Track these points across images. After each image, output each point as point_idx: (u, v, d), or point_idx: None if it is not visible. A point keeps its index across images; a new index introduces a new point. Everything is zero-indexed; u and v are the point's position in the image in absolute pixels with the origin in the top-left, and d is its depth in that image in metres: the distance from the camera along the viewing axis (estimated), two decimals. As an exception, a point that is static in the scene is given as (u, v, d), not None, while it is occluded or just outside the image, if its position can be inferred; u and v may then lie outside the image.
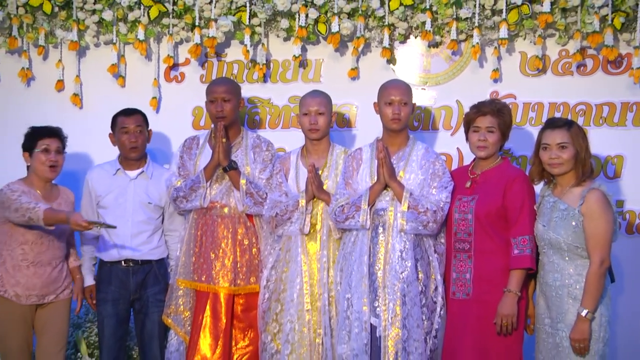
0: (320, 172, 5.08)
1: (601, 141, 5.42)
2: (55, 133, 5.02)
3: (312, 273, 5.02)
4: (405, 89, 4.95)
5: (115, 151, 5.41)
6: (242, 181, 5.09)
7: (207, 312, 5.15)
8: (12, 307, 4.90)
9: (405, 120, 4.92)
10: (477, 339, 4.66)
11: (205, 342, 5.12)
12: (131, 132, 5.21)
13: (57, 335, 5.06)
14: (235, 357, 5.20)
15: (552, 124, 4.61)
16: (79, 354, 5.43)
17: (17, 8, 5.73)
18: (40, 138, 4.96)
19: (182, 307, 5.27)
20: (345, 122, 5.86)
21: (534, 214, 4.62)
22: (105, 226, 4.71)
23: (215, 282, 5.15)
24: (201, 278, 5.18)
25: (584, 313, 4.32)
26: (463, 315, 4.72)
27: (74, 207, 5.15)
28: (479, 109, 4.80)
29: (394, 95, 4.88)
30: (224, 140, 5.04)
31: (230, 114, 5.19)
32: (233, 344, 5.20)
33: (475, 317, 4.68)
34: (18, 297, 4.90)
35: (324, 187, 5.04)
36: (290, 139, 5.64)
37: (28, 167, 5.05)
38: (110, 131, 5.32)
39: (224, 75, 5.91)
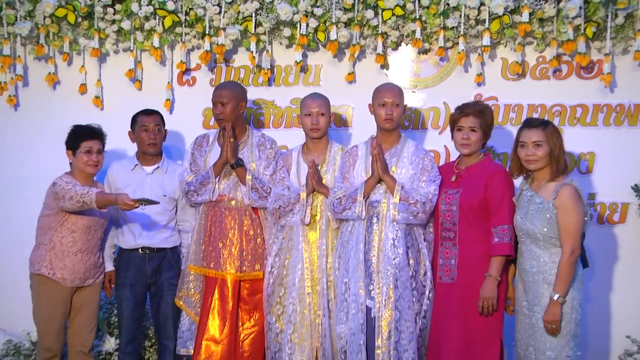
0: (319, 167, 5.11)
1: (575, 140, 5.45)
2: (97, 135, 5.05)
3: (312, 260, 5.05)
4: (396, 91, 4.97)
5: (132, 148, 5.46)
6: (248, 177, 5.11)
7: (216, 296, 5.17)
8: (58, 289, 4.95)
9: (397, 120, 4.94)
10: (461, 319, 4.69)
11: (214, 323, 5.15)
12: (150, 130, 5.25)
13: (90, 317, 5.12)
14: (241, 336, 5.22)
15: (528, 123, 4.65)
16: (100, 332, 5.45)
17: (44, 19, 5.73)
18: (84, 140, 4.99)
19: (192, 290, 5.29)
20: (342, 122, 5.87)
21: (513, 206, 4.65)
22: (148, 202, 4.68)
23: (223, 268, 5.17)
24: (210, 265, 5.20)
25: (555, 297, 4.37)
26: (449, 297, 4.76)
27: None
28: (462, 110, 4.83)
29: (386, 98, 4.90)
30: (231, 140, 5.07)
31: (228, 116, 5.18)
32: (239, 324, 5.22)
33: (460, 299, 4.71)
34: (64, 280, 4.95)
35: (323, 182, 5.06)
36: (292, 138, 5.65)
37: (70, 163, 5.08)
38: (130, 129, 5.35)
39: (231, 79, 5.91)
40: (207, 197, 5.18)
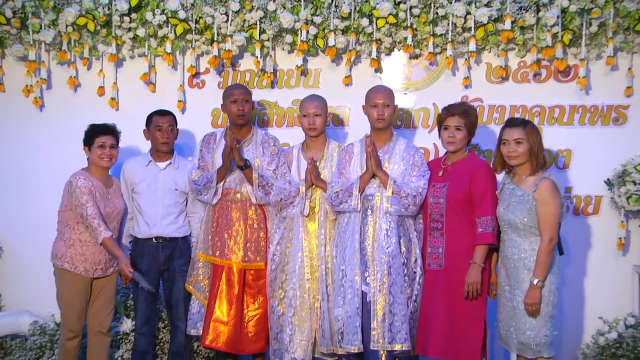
0: (318, 163, 5.10)
1: (553, 138, 5.45)
2: (110, 130, 5.04)
3: (312, 248, 5.05)
4: (387, 93, 4.96)
5: (145, 145, 5.48)
6: (255, 175, 5.10)
7: (223, 281, 5.18)
8: (80, 279, 4.95)
9: (388, 119, 4.93)
10: (448, 302, 4.70)
11: (221, 306, 5.16)
12: (164, 130, 5.25)
13: (108, 300, 5.13)
14: (246, 318, 5.22)
15: (510, 123, 4.66)
16: (117, 314, 5.45)
17: (66, 27, 5.73)
18: (98, 135, 4.98)
19: (201, 276, 5.29)
20: (340, 122, 5.87)
21: (496, 198, 4.66)
22: (140, 279, 4.83)
23: (228, 257, 5.17)
24: (216, 253, 5.21)
25: (535, 281, 4.38)
26: (437, 283, 4.76)
27: (121, 193, 5.21)
28: (448, 111, 4.82)
29: (378, 99, 4.90)
30: (237, 145, 5.07)
31: (248, 113, 5.24)
32: (245, 307, 5.22)
33: (447, 284, 4.72)
34: (87, 271, 4.95)
35: (321, 176, 5.06)
36: (294, 136, 5.64)
37: (87, 158, 5.08)
38: (145, 128, 5.35)
39: (237, 82, 5.92)
40: (208, 198, 5.19)
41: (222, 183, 5.16)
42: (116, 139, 5.07)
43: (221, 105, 5.37)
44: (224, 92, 5.32)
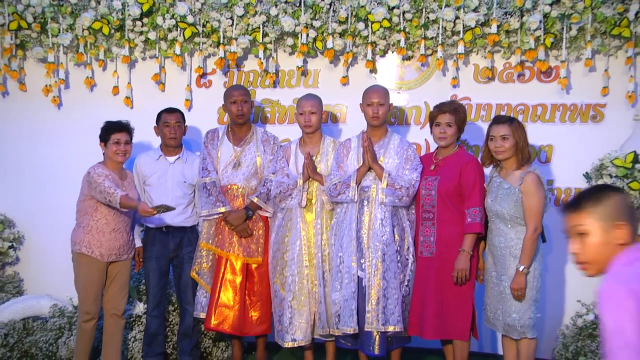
0: (314, 158, 5.07)
1: (536, 134, 5.37)
2: (124, 128, 5.02)
3: (309, 237, 5.02)
4: (382, 93, 4.94)
5: (156, 141, 5.44)
6: (258, 204, 5.12)
7: (227, 269, 5.15)
8: (97, 264, 4.95)
9: (382, 117, 4.92)
10: (439, 287, 4.70)
11: (226, 293, 5.12)
12: (171, 126, 5.23)
13: (123, 285, 5.11)
14: (249, 303, 5.19)
15: (497, 120, 4.66)
16: (130, 298, 5.42)
17: (82, 31, 5.73)
18: (113, 132, 4.97)
19: (205, 264, 5.23)
20: (337, 119, 5.84)
21: (484, 191, 4.65)
22: (166, 209, 4.66)
23: (228, 250, 5.14)
24: (218, 245, 5.17)
25: (520, 268, 4.39)
26: (428, 269, 4.75)
27: (135, 185, 5.19)
28: (440, 108, 4.81)
29: (373, 98, 4.90)
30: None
31: (247, 113, 5.22)
32: (247, 293, 5.18)
33: (438, 270, 4.71)
34: (102, 256, 4.94)
35: (317, 170, 5.04)
36: (294, 132, 5.56)
37: (103, 153, 5.06)
38: (155, 125, 5.32)
39: (242, 82, 5.89)
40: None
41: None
42: (130, 135, 5.05)
43: (222, 105, 5.36)
44: (225, 93, 5.31)
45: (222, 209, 5.10)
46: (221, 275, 5.13)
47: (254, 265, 5.18)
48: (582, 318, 5.11)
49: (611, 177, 5.17)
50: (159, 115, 5.29)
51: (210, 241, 5.19)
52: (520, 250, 4.41)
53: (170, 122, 5.23)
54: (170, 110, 5.28)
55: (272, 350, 5.54)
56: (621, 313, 2.28)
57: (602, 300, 2.34)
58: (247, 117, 5.24)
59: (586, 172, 5.41)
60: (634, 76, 5.43)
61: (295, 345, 5.04)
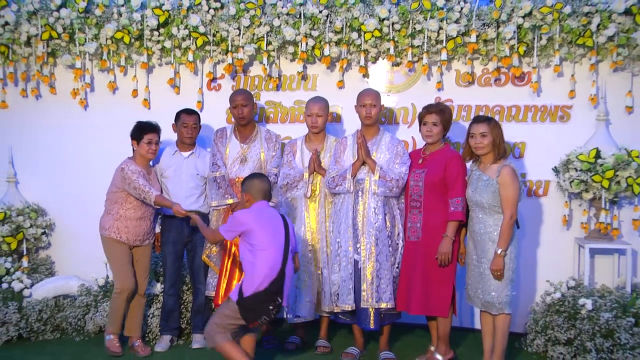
0: (320, 154, 5.04)
1: (510, 132, 5.25)
2: (156, 129, 5.04)
3: (313, 224, 4.99)
4: (374, 95, 4.90)
5: (173, 137, 5.34)
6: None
7: (232, 252, 5.02)
8: (123, 246, 4.97)
9: (374, 117, 4.88)
10: (424, 268, 4.67)
11: (232, 275, 5.02)
12: (189, 127, 5.18)
13: (145, 266, 5.12)
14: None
15: (476, 119, 4.62)
16: (149, 279, 5.31)
17: (106, 40, 5.67)
18: (147, 133, 4.97)
19: (214, 249, 5.16)
20: (334, 118, 5.74)
21: (465, 183, 4.61)
22: (196, 213, 4.76)
23: None
24: None
25: (499, 251, 4.35)
26: (415, 252, 4.73)
27: (157, 179, 5.15)
28: (427, 109, 4.79)
29: (366, 100, 4.86)
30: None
31: (247, 116, 5.17)
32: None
33: (423, 253, 4.68)
34: (129, 240, 4.98)
35: (322, 165, 5.00)
36: (295, 130, 5.56)
37: (134, 150, 5.04)
38: (173, 122, 5.25)
39: (248, 86, 5.80)
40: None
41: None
42: (159, 136, 5.06)
43: (228, 107, 5.31)
44: (229, 97, 5.27)
45: (230, 201, 5.05)
46: (227, 260, 5.05)
47: None
48: (551, 296, 5.06)
49: (576, 170, 5.12)
50: (179, 115, 5.23)
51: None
52: (498, 236, 4.37)
53: (189, 124, 5.17)
54: (190, 112, 5.23)
55: (273, 326, 5.44)
56: None
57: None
58: (247, 119, 5.18)
59: (555, 166, 5.34)
60: (596, 81, 5.37)
61: (300, 322, 5.01)
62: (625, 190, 5.05)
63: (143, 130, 4.97)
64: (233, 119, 5.31)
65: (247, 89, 5.65)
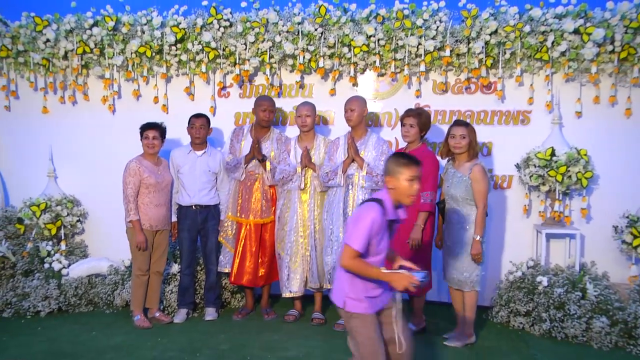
0: (310, 151, 4.92)
1: (480, 134, 5.01)
2: (153, 126, 4.92)
3: (304, 213, 4.91)
4: (353, 101, 4.80)
5: (188, 138, 5.17)
6: (268, 166, 4.97)
7: (244, 235, 5.01)
8: (148, 234, 4.86)
9: (355, 120, 4.78)
10: (401, 252, 4.42)
11: (244, 255, 4.99)
12: (196, 128, 5.04)
13: (164, 251, 5.04)
14: (259, 262, 5.02)
15: (457, 122, 4.50)
16: (168, 260, 5.24)
17: (131, 54, 5.55)
18: (145, 130, 4.90)
19: (229, 231, 5.08)
20: (328, 121, 5.59)
21: (437, 179, 4.52)
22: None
23: (248, 216, 4.99)
24: (241, 215, 5.02)
25: (477, 237, 4.26)
26: (396, 236, 4.49)
27: (169, 170, 5.04)
28: (406, 113, 4.70)
29: (346, 106, 4.82)
30: (258, 145, 4.90)
31: (271, 119, 5.08)
32: (260, 254, 5.03)
33: (400, 239, 4.48)
34: (152, 226, 4.88)
35: (312, 161, 4.89)
36: (294, 132, 5.32)
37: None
38: (188, 126, 5.10)
39: (253, 94, 5.63)
40: (237, 175, 5.02)
41: (247, 165, 4.98)
42: (159, 132, 4.94)
43: (252, 109, 5.16)
44: (256, 100, 5.14)
45: (244, 159, 5.00)
46: (242, 242, 4.99)
47: (267, 235, 5.02)
48: (513, 275, 4.99)
49: (535, 166, 5.03)
50: (190, 118, 5.12)
51: (234, 213, 5.05)
52: (473, 224, 4.26)
53: (196, 125, 5.05)
54: (197, 115, 5.12)
55: (274, 301, 5.39)
56: None
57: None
58: (270, 122, 5.09)
59: (517, 163, 5.24)
60: (551, 90, 5.26)
61: (292, 296, 4.98)
62: (576, 183, 4.99)
63: (144, 128, 4.91)
64: (252, 119, 5.18)
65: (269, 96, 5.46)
